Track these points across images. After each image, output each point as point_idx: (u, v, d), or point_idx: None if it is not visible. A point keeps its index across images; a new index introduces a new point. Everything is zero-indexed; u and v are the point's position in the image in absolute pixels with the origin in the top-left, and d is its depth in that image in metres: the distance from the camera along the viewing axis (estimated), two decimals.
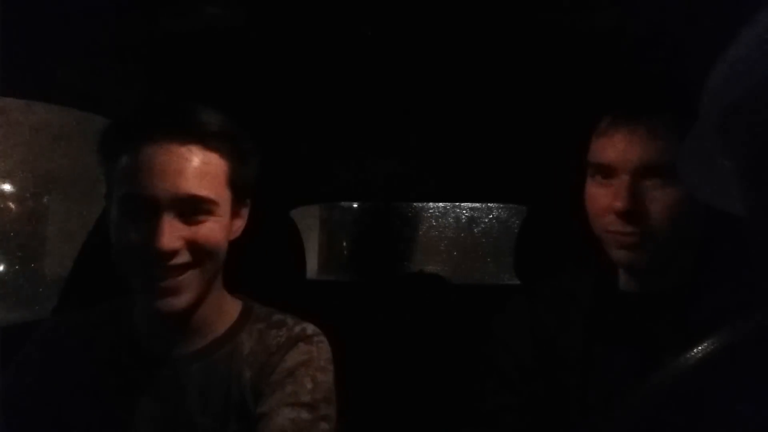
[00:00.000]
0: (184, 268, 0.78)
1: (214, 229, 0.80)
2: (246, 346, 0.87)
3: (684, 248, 0.85)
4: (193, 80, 1.26)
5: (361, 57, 1.16)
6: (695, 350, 0.47)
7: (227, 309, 0.91)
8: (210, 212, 0.79)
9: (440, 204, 4.70)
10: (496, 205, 4.38)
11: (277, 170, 1.85)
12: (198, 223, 0.78)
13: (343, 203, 5.56)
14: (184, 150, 0.77)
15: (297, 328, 0.89)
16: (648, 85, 0.90)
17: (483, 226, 4.83)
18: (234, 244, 0.90)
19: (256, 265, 1.30)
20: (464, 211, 4.87)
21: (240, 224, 0.89)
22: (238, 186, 0.84)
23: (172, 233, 0.75)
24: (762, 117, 0.38)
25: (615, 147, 0.82)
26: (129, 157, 0.77)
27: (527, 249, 1.70)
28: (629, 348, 0.85)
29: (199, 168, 0.78)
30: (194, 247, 0.78)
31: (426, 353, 1.87)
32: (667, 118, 0.80)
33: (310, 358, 0.85)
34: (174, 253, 0.76)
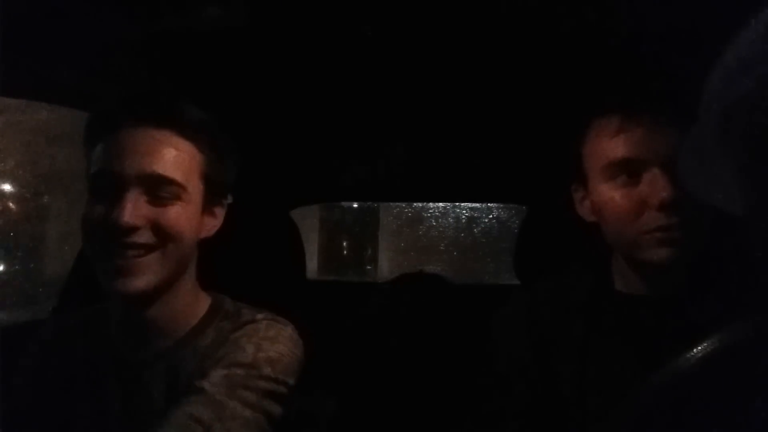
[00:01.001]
0: (145, 249, 0.77)
1: (180, 215, 0.79)
2: (208, 339, 0.86)
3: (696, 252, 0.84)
4: (194, 80, 1.26)
5: (361, 57, 1.16)
6: (695, 350, 0.47)
7: (197, 305, 0.89)
8: (177, 196, 0.79)
9: (440, 204, 4.71)
10: (496, 205, 4.39)
11: (277, 170, 1.86)
12: (164, 205, 0.78)
13: (343, 203, 5.57)
14: (157, 133, 0.79)
15: (249, 315, 0.87)
16: (655, 81, 0.88)
17: (483, 226, 4.83)
18: (231, 243, 0.89)
19: (256, 265, 1.30)
20: (464, 211, 4.87)
21: (213, 223, 0.88)
22: (211, 181, 0.85)
23: (135, 210, 0.75)
24: (762, 117, 0.38)
25: (639, 141, 0.79)
26: (106, 140, 0.79)
27: (527, 249, 1.69)
28: (626, 349, 0.85)
29: (169, 151, 0.79)
30: (157, 228, 0.77)
31: (426, 353, 1.87)
32: (676, 110, 0.78)
33: (255, 330, 0.83)
34: (134, 229, 0.75)
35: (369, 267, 5.88)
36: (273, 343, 0.83)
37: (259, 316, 0.87)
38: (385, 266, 5.54)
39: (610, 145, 0.83)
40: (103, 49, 1.09)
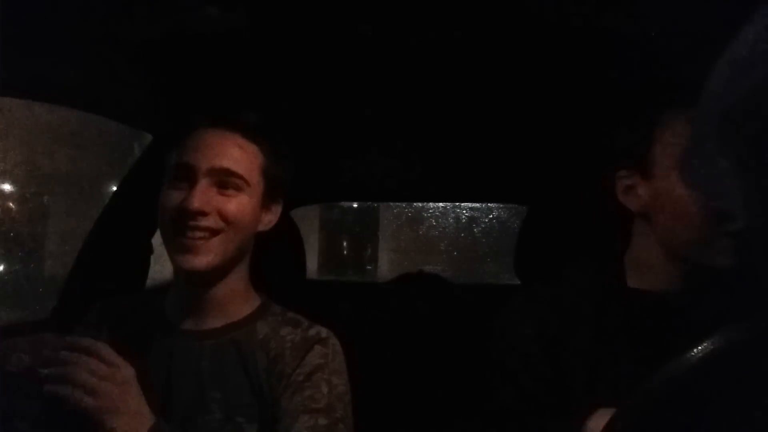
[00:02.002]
0: (210, 232, 0.88)
1: (242, 205, 0.91)
2: (260, 332, 0.95)
3: None
4: (194, 80, 1.26)
5: (361, 57, 1.16)
6: (695, 350, 0.47)
7: (248, 299, 0.99)
8: (240, 188, 0.91)
9: (440, 204, 4.70)
10: (496, 205, 4.38)
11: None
12: (229, 195, 0.90)
13: (343, 203, 5.57)
14: (228, 134, 0.93)
15: (312, 330, 0.95)
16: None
17: (483, 226, 4.84)
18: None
19: (256, 265, 1.30)
20: (464, 211, 4.87)
21: (270, 219, 1.00)
22: (270, 179, 0.97)
23: (205, 197, 0.88)
24: (762, 117, 0.38)
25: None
26: (183, 142, 0.93)
27: (527, 249, 1.69)
28: (638, 345, 0.85)
29: (235, 150, 0.92)
30: (222, 215, 0.89)
31: (426, 353, 1.87)
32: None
33: (326, 362, 0.92)
34: (203, 213, 0.87)
35: (369, 267, 5.88)
36: (339, 376, 0.93)
37: (323, 332, 0.96)
38: (385, 266, 5.55)
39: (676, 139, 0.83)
40: (103, 49, 1.09)
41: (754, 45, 0.37)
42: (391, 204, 5.11)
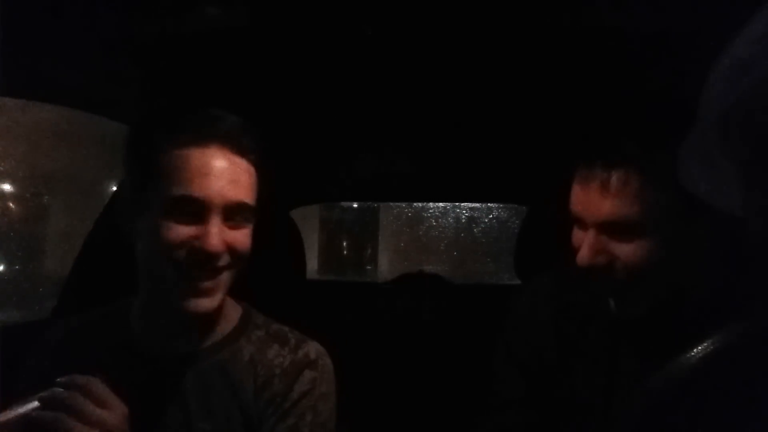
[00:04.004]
0: (219, 271, 0.80)
1: (248, 235, 0.84)
2: (245, 352, 0.88)
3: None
4: (194, 80, 1.26)
5: (361, 57, 1.16)
6: (695, 350, 0.47)
7: (229, 312, 0.91)
8: (249, 219, 0.84)
9: (440, 204, 4.71)
10: (496, 205, 4.39)
11: (277, 170, 1.85)
12: (238, 228, 0.82)
13: (343, 203, 5.57)
14: (234, 158, 0.81)
15: (300, 352, 0.89)
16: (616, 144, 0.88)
17: (483, 226, 4.83)
18: None
19: (256, 265, 1.30)
20: (464, 211, 4.87)
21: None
22: (260, 195, 0.88)
23: (220, 236, 0.78)
24: (761, 117, 0.38)
25: (587, 200, 0.87)
26: (178, 159, 0.78)
27: (527, 249, 1.70)
28: (649, 347, 0.85)
29: (246, 177, 0.82)
30: (233, 250, 0.81)
31: (426, 353, 1.87)
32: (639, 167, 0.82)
33: (313, 388, 0.87)
34: (220, 255, 0.79)
35: (369, 267, 5.88)
36: (326, 401, 0.88)
37: (312, 353, 0.89)
38: (385, 266, 5.54)
39: (573, 190, 0.90)
40: (104, 49, 1.09)
41: (754, 44, 0.37)
42: (391, 204, 5.11)
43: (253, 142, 0.84)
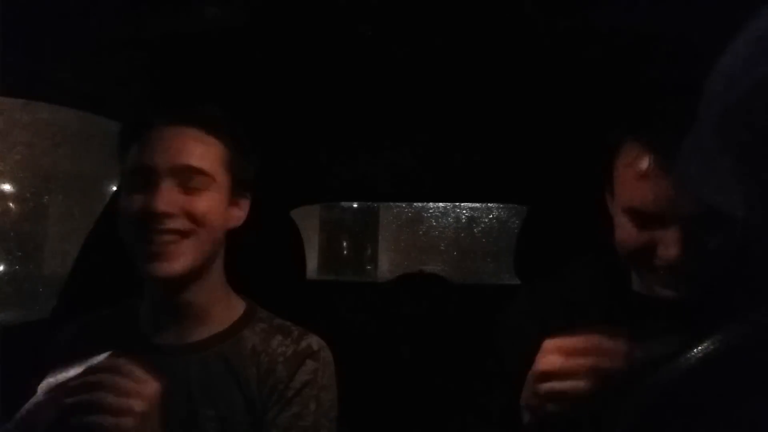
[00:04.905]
0: (178, 234, 0.84)
1: (210, 202, 0.86)
2: (249, 342, 0.91)
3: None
4: (194, 80, 1.26)
5: (361, 57, 1.16)
6: (695, 350, 0.47)
7: (231, 305, 0.95)
8: (206, 185, 0.86)
9: (440, 204, 4.70)
10: (496, 205, 4.38)
11: (277, 170, 1.86)
12: (194, 193, 0.85)
13: (343, 203, 5.57)
14: (187, 131, 0.87)
15: (303, 342, 0.91)
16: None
17: (483, 226, 4.83)
18: (234, 243, 0.93)
19: (256, 265, 1.30)
20: (464, 211, 4.87)
21: (239, 215, 0.94)
22: (235, 174, 0.91)
23: (169, 198, 0.82)
24: (761, 117, 0.38)
25: (660, 193, 0.75)
26: (140, 140, 0.87)
27: (527, 249, 1.69)
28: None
29: (198, 146, 0.87)
30: (189, 215, 0.84)
31: (426, 353, 1.87)
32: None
33: (315, 378, 0.89)
34: (169, 215, 0.82)
35: (369, 267, 5.87)
36: (328, 391, 0.90)
37: (314, 345, 0.92)
38: (385, 266, 5.54)
39: (636, 186, 0.78)
40: (103, 49, 1.09)
41: (754, 44, 0.37)
42: (391, 204, 5.10)
43: (220, 120, 0.90)
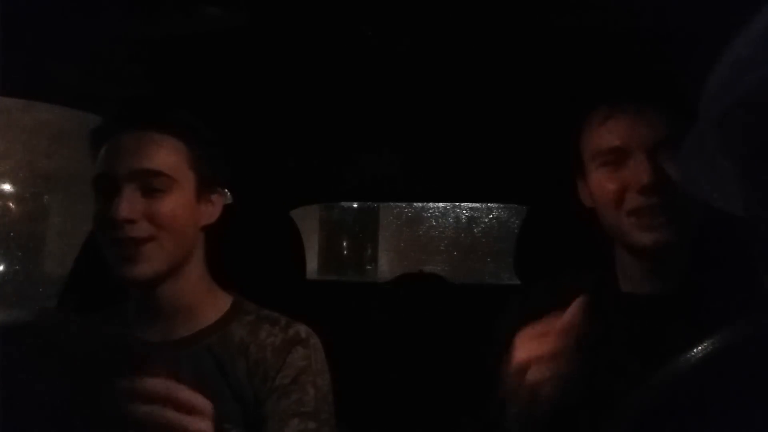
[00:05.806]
0: (144, 240, 0.85)
1: (172, 204, 0.87)
2: (237, 335, 0.92)
3: (687, 240, 0.85)
4: (194, 81, 1.26)
5: (361, 57, 1.16)
6: (695, 350, 0.47)
7: (217, 300, 0.95)
8: (168, 187, 0.87)
9: (440, 204, 4.71)
10: (496, 205, 4.39)
11: (277, 170, 1.86)
12: (156, 196, 0.86)
13: (343, 203, 5.58)
14: (143, 135, 0.88)
15: (291, 330, 0.93)
16: (643, 75, 0.92)
17: (483, 226, 4.84)
18: (234, 243, 0.93)
19: (256, 265, 1.30)
20: (464, 211, 4.88)
21: (212, 211, 0.95)
22: (201, 171, 0.92)
23: (130, 204, 0.84)
24: (761, 117, 0.38)
25: (624, 129, 0.84)
26: (104, 147, 0.89)
27: (527, 249, 1.69)
28: (632, 349, 0.85)
29: (155, 148, 0.87)
30: (153, 218, 0.85)
31: (426, 353, 1.87)
32: (662, 99, 0.84)
33: (309, 364, 0.91)
34: (131, 222, 0.83)
35: (369, 267, 5.88)
36: (323, 376, 0.92)
37: (302, 332, 0.93)
38: (385, 266, 5.55)
39: (599, 133, 0.88)
40: (103, 49, 1.09)
41: (754, 44, 0.37)
42: (391, 204, 5.11)
43: (173, 119, 0.91)
